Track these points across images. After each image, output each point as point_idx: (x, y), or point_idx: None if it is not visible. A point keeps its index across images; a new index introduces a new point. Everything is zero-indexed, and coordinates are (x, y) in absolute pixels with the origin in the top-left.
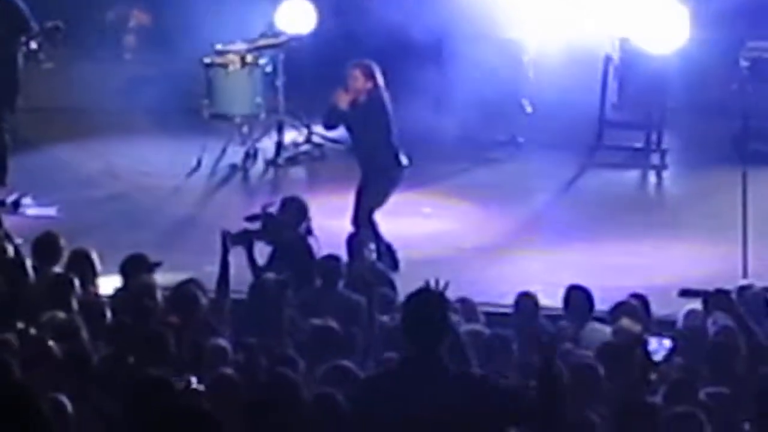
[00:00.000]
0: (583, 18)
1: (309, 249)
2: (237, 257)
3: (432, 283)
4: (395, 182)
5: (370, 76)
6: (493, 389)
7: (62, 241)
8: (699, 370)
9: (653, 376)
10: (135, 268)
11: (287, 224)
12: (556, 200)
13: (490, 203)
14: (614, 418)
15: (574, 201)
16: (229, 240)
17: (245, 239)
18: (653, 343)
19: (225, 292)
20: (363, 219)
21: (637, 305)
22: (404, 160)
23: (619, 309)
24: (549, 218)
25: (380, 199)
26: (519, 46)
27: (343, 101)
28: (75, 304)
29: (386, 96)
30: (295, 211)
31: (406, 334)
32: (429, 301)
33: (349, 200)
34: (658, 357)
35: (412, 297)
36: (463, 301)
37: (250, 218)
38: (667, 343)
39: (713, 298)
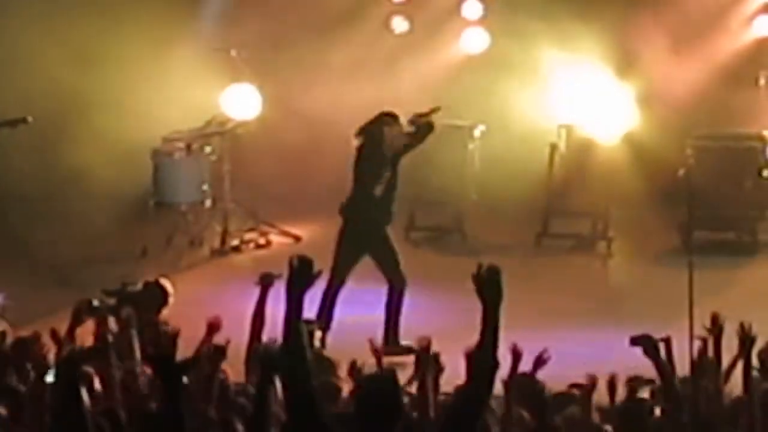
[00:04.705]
0: (529, 106)
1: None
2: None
3: None
4: None
5: None
6: None
7: (7, 330)
8: None
9: None
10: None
11: (144, 306)
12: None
13: (435, 292)
14: None
15: (520, 289)
16: (84, 311)
17: (96, 313)
18: None
19: None
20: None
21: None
22: None
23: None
24: None
25: None
26: (465, 133)
27: None
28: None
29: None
30: (155, 295)
31: (359, 419)
32: (382, 385)
33: None
34: None
35: (364, 382)
36: None
37: (109, 293)
38: None
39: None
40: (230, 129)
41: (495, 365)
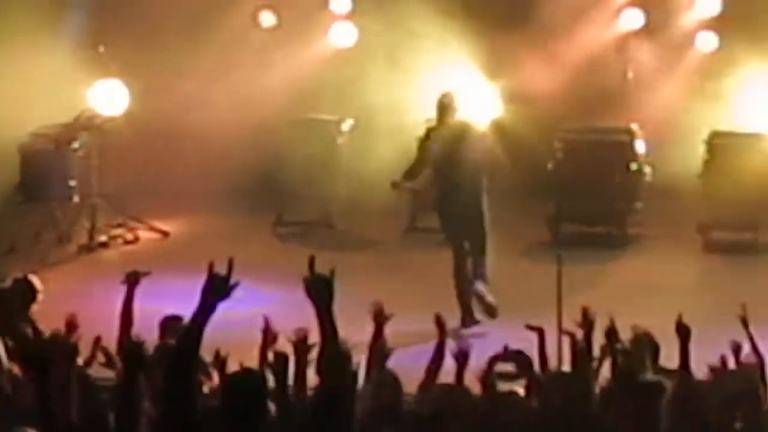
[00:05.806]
0: (396, 100)
1: (23, 335)
2: None
3: None
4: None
5: None
6: None
7: None
8: None
9: None
10: None
11: (11, 303)
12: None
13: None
14: None
15: (386, 282)
16: None
17: None
18: None
19: None
20: None
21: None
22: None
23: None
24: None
25: None
26: (333, 127)
27: None
28: None
29: None
30: (24, 291)
31: (225, 414)
32: (249, 383)
33: (164, 284)
34: None
35: (233, 378)
36: None
37: None
38: None
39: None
40: (98, 125)
41: (347, 358)
